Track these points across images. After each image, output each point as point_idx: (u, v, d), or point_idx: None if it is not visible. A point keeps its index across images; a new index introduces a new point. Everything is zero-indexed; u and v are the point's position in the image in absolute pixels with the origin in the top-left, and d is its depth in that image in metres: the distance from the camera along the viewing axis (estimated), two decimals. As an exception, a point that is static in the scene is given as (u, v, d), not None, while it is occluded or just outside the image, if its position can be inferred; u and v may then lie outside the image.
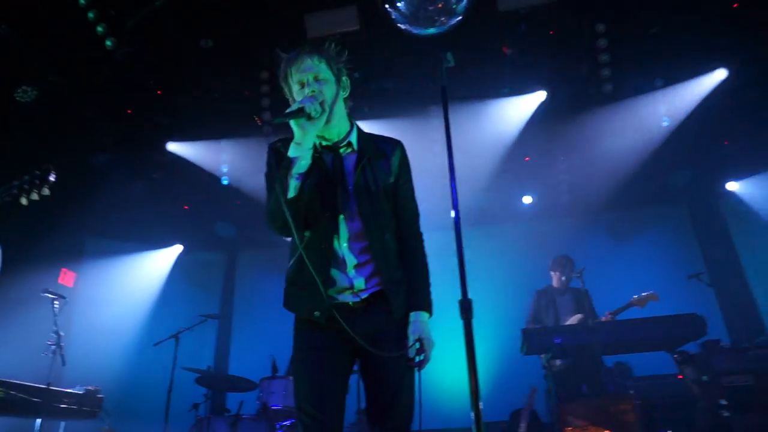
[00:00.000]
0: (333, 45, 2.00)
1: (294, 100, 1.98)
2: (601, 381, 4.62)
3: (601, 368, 4.74)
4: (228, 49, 5.11)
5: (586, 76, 5.00)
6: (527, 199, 7.07)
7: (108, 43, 4.61)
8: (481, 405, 1.63)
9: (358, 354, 1.96)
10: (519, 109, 5.52)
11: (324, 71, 1.94)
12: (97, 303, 6.81)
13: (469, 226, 6.65)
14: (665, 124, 5.56)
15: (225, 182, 6.58)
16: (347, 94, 2.04)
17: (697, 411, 3.95)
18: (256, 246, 8.00)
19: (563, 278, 5.20)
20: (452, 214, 1.80)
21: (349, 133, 2.02)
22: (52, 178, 2.85)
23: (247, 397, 4.88)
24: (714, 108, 5.43)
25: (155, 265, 7.77)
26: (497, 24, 4.54)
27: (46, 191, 2.84)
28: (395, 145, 2.09)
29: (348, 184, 1.95)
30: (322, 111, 1.83)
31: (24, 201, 2.84)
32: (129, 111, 5.75)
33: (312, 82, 1.91)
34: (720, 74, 5.17)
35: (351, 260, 1.93)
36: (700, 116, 5.52)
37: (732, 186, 6.79)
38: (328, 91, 1.92)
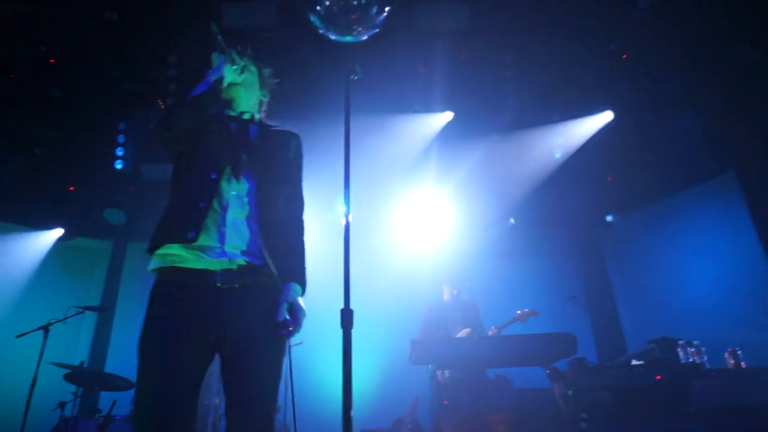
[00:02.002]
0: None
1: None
2: (483, 392, 4.85)
3: (483, 380, 4.98)
4: (136, 26, 4.81)
5: (491, 103, 5.29)
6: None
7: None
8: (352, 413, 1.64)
9: (220, 342, 1.83)
10: (426, 126, 5.71)
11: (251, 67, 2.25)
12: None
13: (363, 236, 6.76)
14: (558, 156, 6.01)
15: (119, 166, 6.16)
16: (265, 98, 2.30)
17: (560, 423, 4.27)
18: (148, 237, 7.54)
19: (454, 292, 5.38)
20: (343, 221, 1.82)
21: (253, 115, 2.20)
22: None
23: (122, 396, 4.57)
24: (600, 146, 5.96)
25: (28, 249, 7.05)
26: (413, 41, 4.68)
27: None
28: (294, 134, 2.24)
29: (247, 146, 2.04)
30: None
31: None
32: (13, 76, 5.22)
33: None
34: (607, 116, 5.70)
35: (235, 209, 1.90)
36: (588, 152, 6.04)
37: (610, 218, 7.48)
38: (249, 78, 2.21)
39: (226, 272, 1.84)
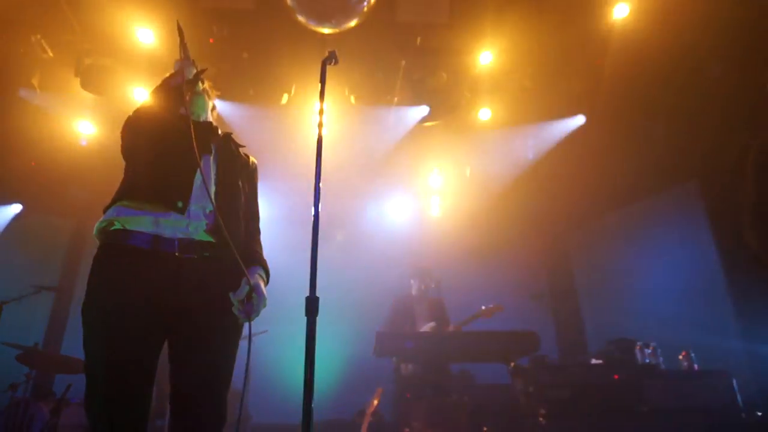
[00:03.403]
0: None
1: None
2: (445, 387, 4.90)
3: (446, 375, 5.03)
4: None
5: (467, 99, 5.30)
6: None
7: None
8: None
9: (174, 321, 1.75)
10: (403, 119, 5.70)
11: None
12: None
13: (332, 227, 6.74)
14: (530, 156, 6.09)
15: (84, 143, 5.97)
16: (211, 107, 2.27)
17: (520, 418, 4.35)
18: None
19: (422, 287, 5.41)
20: (312, 210, 1.79)
21: (217, 127, 2.21)
22: None
23: (78, 379, 4.44)
24: (571, 149, 6.05)
25: (-16, 224, 6.81)
26: (393, 33, 4.65)
27: None
28: (254, 159, 2.26)
29: (212, 149, 2.03)
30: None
31: None
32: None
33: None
34: (579, 120, 5.80)
35: (199, 197, 1.86)
36: (559, 154, 6.13)
37: (577, 220, 7.62)
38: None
39: (186, 240, 1.79)
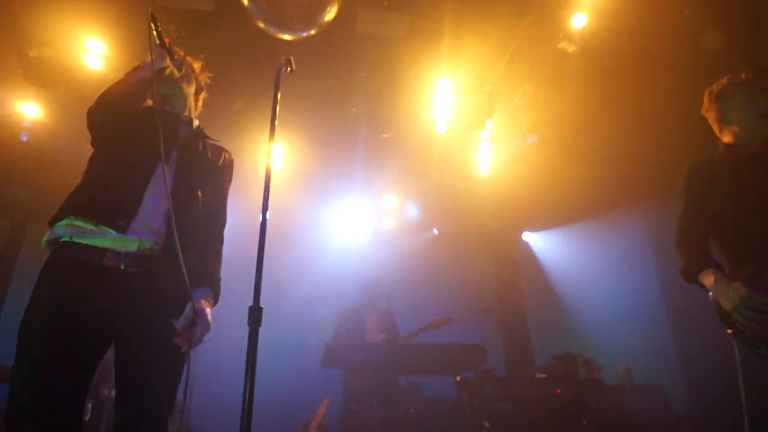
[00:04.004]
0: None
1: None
2: (393, 399, 4.89)
3: (394, 387, 5.03)
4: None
5: (423, 113, 5.37)
6: None
7: None
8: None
9: (118, 334, 1.71)
10: (359, 131, 5.68)
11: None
12: None
13: (285, 236, 6.67)
14: (482, 171, 6.20)
15: (24, 138, 5.68)
16: (199, 94, 2.29)
17: (465, 430, 4.39)
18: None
19: (372, 298, 5.42)
20: (260, 218, 1.75)
21: (192, 120, 2.14)
22: None
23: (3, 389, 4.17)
24: (523, 166, 6.21)
25: None
26: (353, 44, 4.67)
27: None
28: (228, 152, 2.20)
29: (177, 143, 1.96)
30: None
31: None
32: None
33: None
34: (531, 138, 5.96)
35: (148, 213, 1.78)
36: (512, 171, 6.28)
37: (527, 236, 7.84)
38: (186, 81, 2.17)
39: (133, 254, 1.73)
